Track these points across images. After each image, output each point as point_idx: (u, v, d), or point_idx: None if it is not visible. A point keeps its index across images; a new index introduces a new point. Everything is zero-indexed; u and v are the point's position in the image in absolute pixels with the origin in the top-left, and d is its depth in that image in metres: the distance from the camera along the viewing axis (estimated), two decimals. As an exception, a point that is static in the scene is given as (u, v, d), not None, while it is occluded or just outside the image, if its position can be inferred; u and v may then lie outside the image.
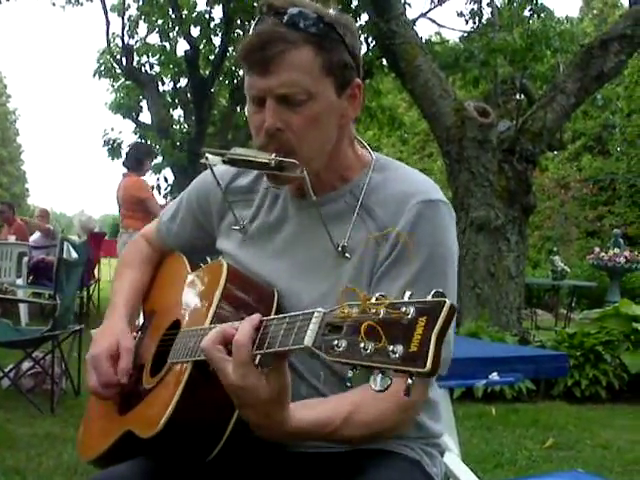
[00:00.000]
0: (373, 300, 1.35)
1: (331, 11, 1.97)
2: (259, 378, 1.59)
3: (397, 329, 1.28)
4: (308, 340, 1.43)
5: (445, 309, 1.26)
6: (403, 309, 1.29)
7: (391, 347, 1.26)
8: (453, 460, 2.89)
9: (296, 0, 1.93)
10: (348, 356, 1.33)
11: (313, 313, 1.46)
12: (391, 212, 1.98)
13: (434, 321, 1.25)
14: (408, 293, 1.33)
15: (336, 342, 1.36)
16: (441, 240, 1.97)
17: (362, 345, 1.30)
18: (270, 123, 1.91)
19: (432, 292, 1.30)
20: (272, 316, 1.64)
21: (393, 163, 2.15)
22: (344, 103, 2.00)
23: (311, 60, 1.90)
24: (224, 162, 1.99)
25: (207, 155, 2.04)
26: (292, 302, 2.00)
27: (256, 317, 1.61)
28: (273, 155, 1.91)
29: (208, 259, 2.51)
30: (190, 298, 2.19)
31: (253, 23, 1.98)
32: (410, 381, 1.26)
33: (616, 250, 15.23)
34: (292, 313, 1.55)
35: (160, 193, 20.57)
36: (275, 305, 2.00)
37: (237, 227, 2.21)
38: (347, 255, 1.99)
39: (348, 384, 1.36)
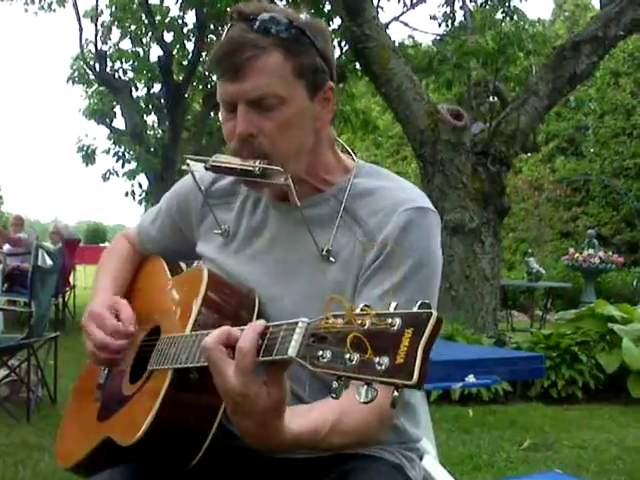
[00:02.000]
0: (358, 310, 1.35)
1: (302, 16, 1.98)
2: (260, 386, 1.56)
3: (383, 340, 1.27)
4: (292, 350, 1.42)
5: (432, 321, 1.26)
6: (389, 320, 1.29)
7: (377, 359, 1.26)
8: (431, 463, 2.88)
9: (267, 6, 1.93)
10: (333, 367, 1.33)
11: (297, 323, 1.45)
12: (379, 219, 1.98)
13: (420, 333, 1.25)
14: (394, 304, 1.33)
15: (321, 353, 1.36)
16: (428, 247, 1.98)
17: (347, 356, 1.30)
18: (242, 128, 1.91)
19: (418, 303, 1.29)
20: None
21: (379, 170, 2.15)
22: (317, 106, 2.00)
23: (281, 64, 1.90)
24: (206, 169, 1.98)
25: (188, 162, 2.04)
26: (274, 307, 2.00)
27: (260, 324, 1.59)
28: (257, 162, 1.91)
29: (183, 265, 2.51)
30: (170, 304, 2.17)
31: (224, 30, 1.98)
32: (396, 393, 1.25)
33: (591, 251, 15.28)
34: (275, 322, 1.54)
35: (135, 199, 20.57)
36: (256, 311, 1.99)
37: (219, 231, 2.20)
38: (331, 259, 1.99)
39: (333, 395, 1.34)
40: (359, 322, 1.32)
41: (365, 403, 1.28)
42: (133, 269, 2.48)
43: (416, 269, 1.93)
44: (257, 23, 1.90)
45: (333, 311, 1.39)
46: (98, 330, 2.10)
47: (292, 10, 1.99)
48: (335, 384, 1.33)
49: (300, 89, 1.95)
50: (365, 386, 1.28)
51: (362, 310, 1.34)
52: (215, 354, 1.59)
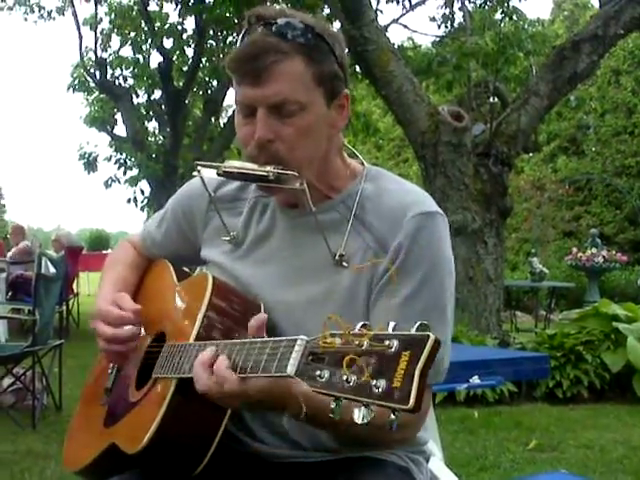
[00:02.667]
0: (356, 330, 1.35)
1: (320, 22, 1.97)
2: (255, 382, 1.60)
3: (380, 363, 1.27)
4: (291, 369, 1.43)
5: (429, 344, 1.25)
6: (386, 342, 1.28)
7: (374, 382, 1.25)
8: (437, 465, 2.88)
9: (286, 10, 1.93)
10: (330, 387, 1.33)
11: (296, 340, 1.45)
12: (388, 224, 1.97)
13: (418, 356, 1.24)
14: (392, 324, 1.33)
15: (319, 372, 1.35)
16: (439, 252, 1.99)
17: (345, 377, 1.29)
18: (261, 134, 1.90)
19: (416, 325, 1.29)
20: (257, 339, 1.64)
21: (385, 173, 2.14)
22: (333, 113, 2.00)
23: (302, 70, 1.90)
24: (219, 175, 1.98)
25: (199, 168, 2.04)
26: (282, 312, 1.99)
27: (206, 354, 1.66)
28: (272, 167, 1.91)
29: (186, 269, 2.51)
30: (175, 310, 2.17)
31: (235, 32, 1.96)
32: (393, 416, 1.25)
33: (594, 250, 15.27)
34: (276, 338, 1.55)
35: (137, 206, 20.58)
36: None
37: (227, 238, 2.19)
38: (344, 264, 1.98)
39: (331, 415, 1.33)
40: (357, 343, 1.32)
41: (363, 425, 1.28)
42: (138, 274, 2.47)
43: (430, 275, 1.94)
44: (277, 27, 1.89)
45: (331, 329, 1.39)
46: (105, 325, 2.11)
47: (309, 16, 1.98)
48: (333, 404, 1.33)
49: (319, 96, 1.95)
50: (362, 407, 1.27)
51: (360, 330, 1.34)
52: (204, 381, 1.67)
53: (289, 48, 1.88)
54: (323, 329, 1.40)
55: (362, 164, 2.15)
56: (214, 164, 2.00)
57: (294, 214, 2.10)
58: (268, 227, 2.15)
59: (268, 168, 1.91)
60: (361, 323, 1.36)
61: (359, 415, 1.28)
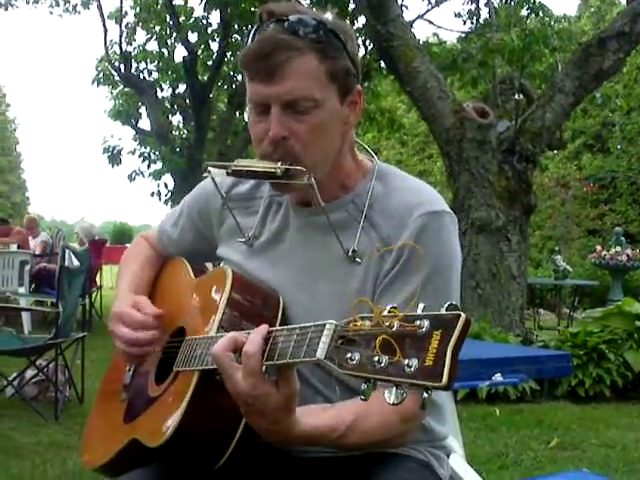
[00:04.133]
0: (386, 312, 1.35)
1: (330, 17, 1.96)
2: (270, 387, 1.59)
3: (411, 343, 1.28)
4: (320, 353, 1.43)
5: (460, 323, 1.26)
6: (417, 322, 1.29)
7: (406, 361, 1.26)
8: (458, 462, 2.87)
9: (298, 7, 1.93)
10: (362, 369, 1.33)
11: (325, 325, 1.45)
12: (394, 224, 1.98)
13: (449, 335, 1.25)
14: (421, 305, 1.33)
15: (349, 355, 1.36)
16: (445, 251, 1.98)
17: (376, 358, 1.30)
18: (276, 131, 1.90)
19: (446, 304, 1.30)
20: (282, 327, 1.64)
21: (395, 171, 2.14)
22: (346, 110, 2.00)
23: (316, 67, 1.89)
24: (228, 174, 1.98)
25: (209, 168, 2.04)
26: (298, 310, 2.00)
27: (264, 328, 1.60)
28: (279, 163, 1.90)
29: (209, 265, 2.51)
30: (194, 305, 2.17)
31: (252, 30, 1.96)
32: (425, 395, 1.26)
33: (618, 248, 15.18)
34: (303, 324, 1.54)
35: (161, 199, 20.61)
36: (281, 311, 1.99)
37: (242, 239, 2.19)
38: (357, 260, 1.99)
39: (362, 397, 1.34)
40: (387, 324, 1.32)
41: (395, 405, 1.29)
42: (154, 271, 2.48)
43: (435, 274, 1.94)
44: (290, 24, 1.88)
45: (360, 313, 1.39)
46: (125, 328, 2.11)
47: (319, 11, 1.98)
48: (364, 386, 1.34)
49: (333, 92, 1.94)
50: (394, 388, 1.28)
51: (390, 312, 1.34)
52: (223, 360, 1.64)
53: (302, 45, 1.87)
54: (353, 312, 1.40)
55: (371, 160, 2.15)
56: (224, 164, 1.99)
57: (306, 213, 2.10)
58: (281, 226, 2.15)
59: (277, 164, 1.90)
60: (390, 305, 1.37)
61: (390, 396, 1.28)
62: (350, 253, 1.99)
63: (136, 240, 2.63)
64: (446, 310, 1.29)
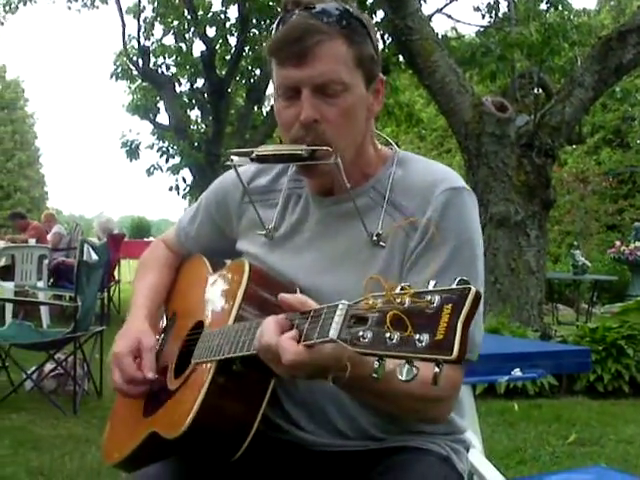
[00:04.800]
0: (397, 290, 1.35)
1: (352, 7, 1.98)
2: (314, 351, 1.56)
3: (422, 318, 1.28)
4: (333, 333, 1.43)
5: (470, 296, 1.27)
6: (428, 298, 1.30)
7: (417, 336, 1.27)
8: (477, 457, 2.87)
9: None
10: (374, 347, 1.34)
11: (337, 305, 1.47)
12: (417, 202, 1.99)
13: (459, 308, 1.26)
14: (432, 282, 1.34)
15: (361, 333, 1.36)
16: (468, 226, 1.99)
17: (388, 335, 1.31)
18: (308, 114, 1.92)
19: (457, 279, 1.30)
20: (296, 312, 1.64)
21: (413, 156, 2.15)
22: (370, 97, 2.02)
23: (345, 51, 1.92)
24: (252, 160, 1.99)
25: (232, 157, 2.05)
26: (320, 299, 1.99)
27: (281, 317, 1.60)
28: (304, 145, 1.92)
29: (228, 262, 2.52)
30: (212, 298, 2.18)
31: (276, 20, 1.98)
32: (437, 369, 1.26)
33: (637, 243, 15.13)
34: (316, 307, 1.55)
35: (179, 194, 20.66)
36: None
37: (263, 232, 2.20)
38: (382, 243, 1.99)
39: (375, 375, 1.35)
40: (398, 301, 1.33)
41: (407, 381, 1.29)
42: (172, 273, 2.49)
43: (459, 250, 1.94)
44: (318, 10, 1.91)
45: (372, 292, 1.39)
46: (119, 374, 2.13)
47: (342, 2, 1.99)
48: (376, 364, 1.35)
49: (359, 78, 1.97)
50: (406, 365, 1.30)
51: (401, 290, 1.35)
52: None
53: (331, 30, 1.90)
54: (365, 291, 1.41)
55: (391, 149, 2.17)
56: (247, 150, 2.00)
57: (327, 202, 2.11)
58: (301, 217, 2.16)
59: (302, 146, 1.91)
60: (402, 283, 1.37)
61: (402, 372, 1.29)
62: (374, 237, 2.00)
63: (154, 244, 2.64)
64: (457, 284, 1.30)
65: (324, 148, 1.91)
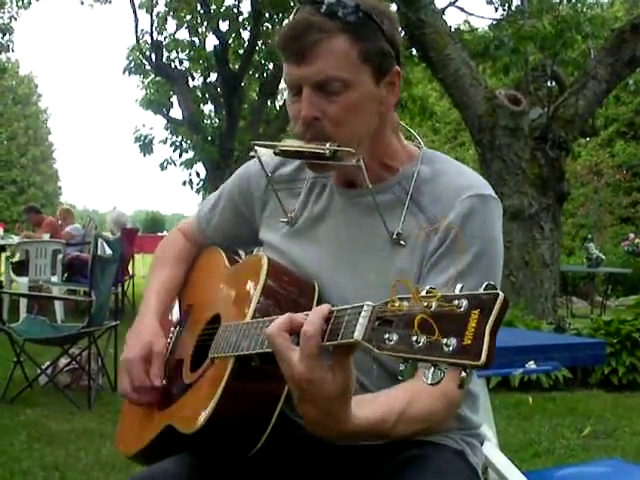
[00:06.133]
0: (424, 293, 1.34)
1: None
2: (326, 371, 1.54)
3: (450, 322, 1.27)
4: (357, 334, 1.42)
5: (498, 302, 1.26)
6: (456, 302, 1.29)
7: (445, 340, 1.26)
8: (491, 450, 2.87)
9: None
10: (400, 350, 1.33)
11: (362, 306, 1.45)
12: (442, 205, 1.98)
13: (487, 314, 1.25)
14: (459, 286, 1.33)
15: (387, 336, 1.36)
16: (491, 235, 1.99)
17: (414, 338, 1.30)
18: (306, 112, 1.92)
19: (484, 285, 1.30)
20: None
21: (441, 156, 2.14)
22: (383, 91, 2.00)
23: (347, 49, 1.90)
24: (275, 154, 1.99)
25: (256, 148, 2.05)
26: (337, 293, 2.00)
27: (325, 307, 1.58)
28: (328, 144, 1.91)
29: (241, 253, 2.51)
30: (230, 292, 2.18)
31: (290, 14, 1.98)
32: (464, 374, 1.26)
33: (651, 236, 15.10)
34: (340, 307, 1.53)
35: (192, 188, 20.68)
36: (316, 298, 1.99)
37: (285, 219, 2.20)
38: (402, 242, 1.99)
39: (400, 377, 1.35)
40: (425, 304, 1.32)
41: (432, 385, 1.29)
42: (187, 264, 2.49)
43: (479, 257, 1.94)
44: (324, 6, 1.90)
45: (398, 294, 1.39)
46: (127, 380, 2.16)
47: None
48: (402, 366, 1.34)
49: (366, 74, 1.95)
50: (432, 368, 1.28)
51: (428, 293, 1.34)
52: (279, 341, 1.58)
53: (334, 27, 1.89)
54: (391, 293, 1.40)
55: (418, 147, 2.15)
56: (271, 143, 2.01)
57: (351, 194, 2.10)
58: (325, 207, 2.16)
59: (325, 145, 1.90)
60: (428, 286, 1.36)
61: (429, 376, 1.28)
62: (395, 236, 1.99)
63: (171, 233, 2.63)
64: (484, 290, 1.29)
65: (347, 149, 1.91)
